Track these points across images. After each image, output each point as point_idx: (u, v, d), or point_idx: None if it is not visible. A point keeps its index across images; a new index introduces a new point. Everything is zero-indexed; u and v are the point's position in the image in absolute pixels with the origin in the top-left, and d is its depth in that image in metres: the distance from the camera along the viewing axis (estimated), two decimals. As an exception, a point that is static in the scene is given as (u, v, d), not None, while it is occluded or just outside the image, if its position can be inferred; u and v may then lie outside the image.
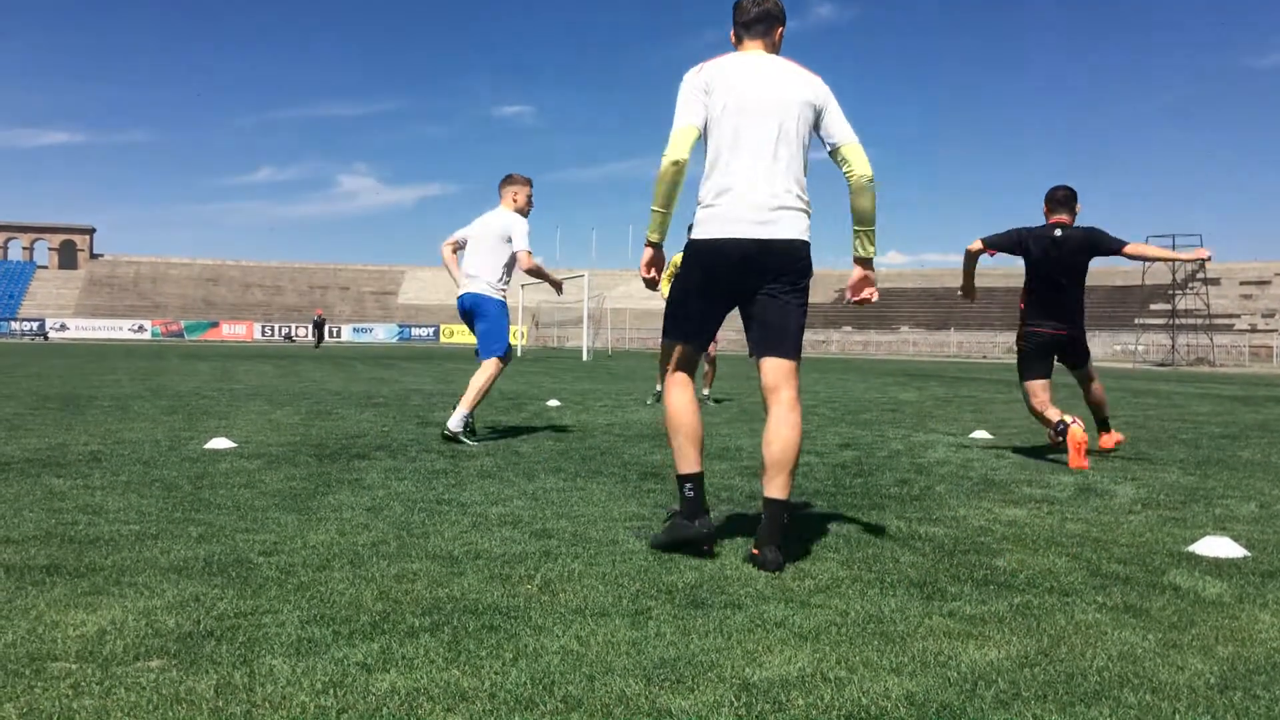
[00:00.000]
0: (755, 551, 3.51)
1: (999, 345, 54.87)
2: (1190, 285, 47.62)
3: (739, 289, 3.70)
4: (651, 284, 3.85)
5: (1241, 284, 60.81)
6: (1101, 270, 67.58)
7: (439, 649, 2.54)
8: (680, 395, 3.76)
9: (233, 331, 68.91)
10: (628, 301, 70.51)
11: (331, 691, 2.25)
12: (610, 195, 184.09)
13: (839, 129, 3.72)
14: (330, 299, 79.70)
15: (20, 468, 5.53)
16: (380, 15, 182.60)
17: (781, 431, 3.61)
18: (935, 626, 2.81)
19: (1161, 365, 40.03)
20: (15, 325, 64.92)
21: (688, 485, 3.66)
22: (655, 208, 3.70)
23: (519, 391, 13.56)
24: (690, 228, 3.83)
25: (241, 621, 2.74)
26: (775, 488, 3.59)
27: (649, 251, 3.79)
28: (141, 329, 66.82)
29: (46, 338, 62.55)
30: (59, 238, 79.53)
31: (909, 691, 2.31)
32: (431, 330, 72.27)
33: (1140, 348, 45.53)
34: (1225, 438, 8.46)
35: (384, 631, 2.68)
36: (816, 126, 3.73)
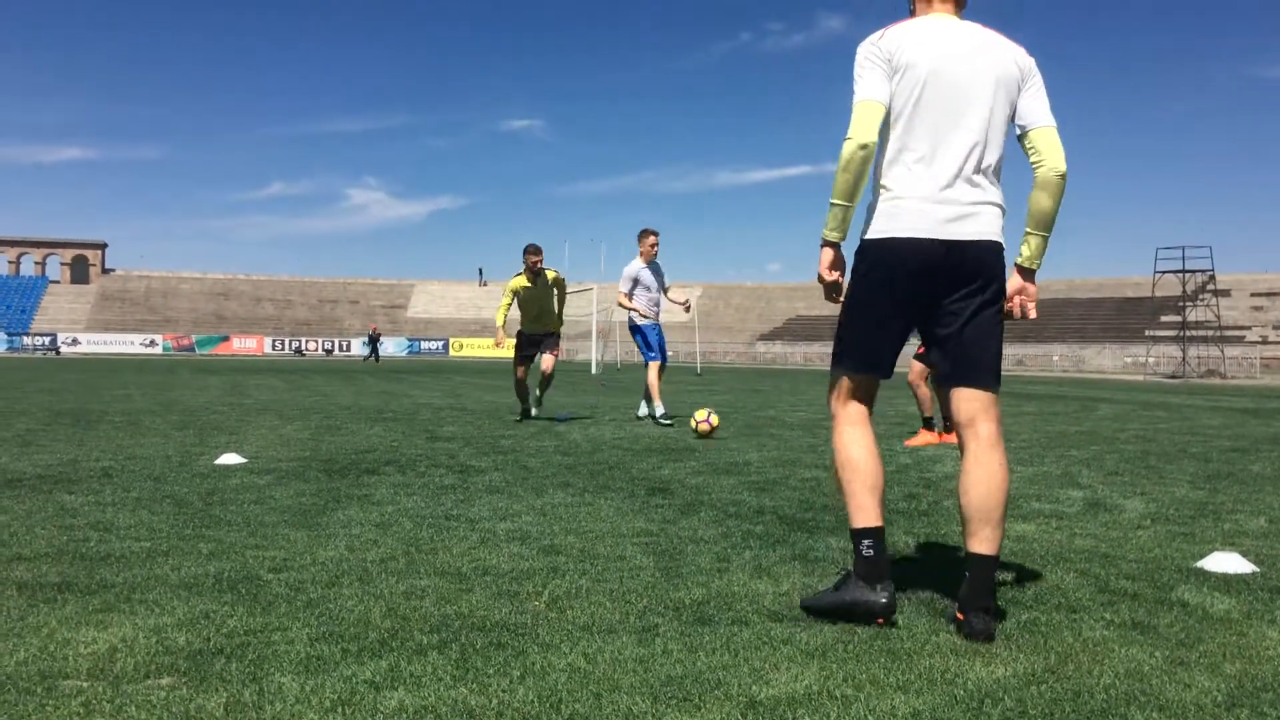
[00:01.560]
0: (960, 616, 2.91)
1: (1008, 357, 54.76)
2: (1201, 297, 47.46)
3: (925, 300, 3.10)
4: (836, 290, 3.18)
5: (1252, 295, 60.56)
6: (1111, 282, 67.46)
7: (447, 667, 2.56)
8: (858, 435, 3.15)
9: (243, 345, 69.10)
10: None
11: (340, 709, 2.26)
12: (619, 209, 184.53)
13: (1036, 108, 3.11)
14: (340, 313, 79.93)
15: (32, 484, 5.57)
16: (389, 30, 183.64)
17: (982, 475, 3.04)
18: (942, 643, 2.81)
19: (1172, 377, 39.89)
20: (28, 340, 65.22)
21: (865, 542, 3.03)
22: (837, 201, 3.06)
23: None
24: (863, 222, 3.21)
25: (251, 639, 2.76)
26: (981, 541, 3.00)
27: (830, 253, 3.13)
28: (153, 343, 67.03)
29: (59, 353, 62.81)
30: (71, 253, 79.93)
31: (915, 709, 2.31)
32: (441, 344, 72.38)
33: (1150, 360, 45.38)
34: (1235, 451, 8.44)
35: (392, 649, 2.69)
36: (1014, 103, 3.12)
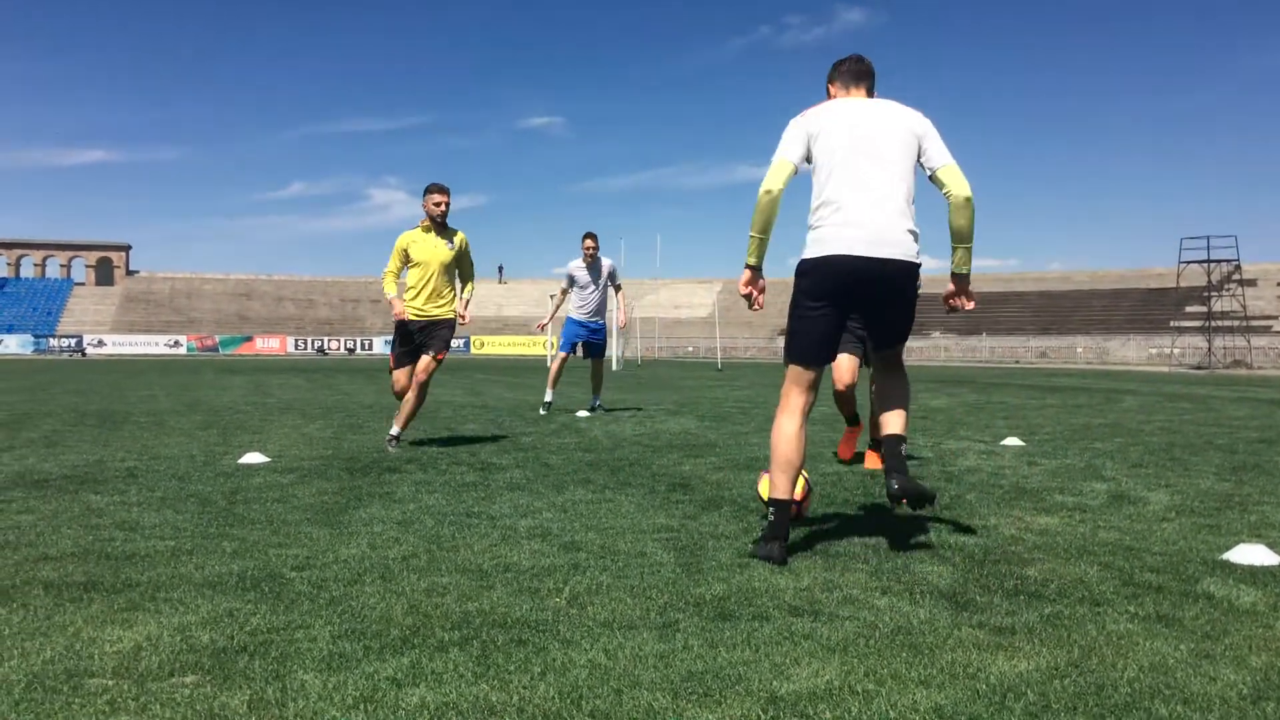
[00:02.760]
0: (888, 479, 3.95)
1: (1031, 350, 54.37)
2: (1226, 287, 46.99)
3: (857, 301, 3.91)
4: (749, 301, 4.01)
5: (1279, 285, 59.93)
6: (1135, 273, 66.92)
7: (468, 663, 2.57)
8: (789, 424, 3.89)
9: (266, 345, 69.52)
10: (657, 310, 70.60)
11: (362, 706, 2.27)
12: (639, 204, 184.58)
13: (936, 154, 3.93)
14: (362, 311, 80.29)
15: (59, 484, 5.63)
16: (408, 29, 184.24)
17: (895, 381, 4.13)
18: (964, 638, 2.80)
19: (1198, 368, 39.53)
20: (54, 342, 65.87)
21: (770, 510, 3.84)
22: (752, 233, 3.90)
23: (553, 398, 13.58)
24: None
25: (274, 636, 2.78)
26: (894, 426, 4.03)
27: (748, 274, 3.97)
28: (177, 344, 67.57)
29: (84, 354, 63.40)
30: (95, 255, 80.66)
31: (937, 704, 2.30)
32: (462, 342, 72.60)
33: (1176, 351, 44.97)
34: (1262, 442, 8.35)
35: (414, 646, 2.70)
36: (920, 157, 3.94)
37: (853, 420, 7.13)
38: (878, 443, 6.80)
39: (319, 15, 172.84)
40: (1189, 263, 42.63)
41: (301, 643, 2.73)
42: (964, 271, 4.01)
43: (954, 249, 3.97)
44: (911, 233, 3.88)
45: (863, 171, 3.84)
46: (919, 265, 3.95)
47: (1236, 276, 46.08)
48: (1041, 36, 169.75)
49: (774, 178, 3.89)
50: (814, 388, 3.96)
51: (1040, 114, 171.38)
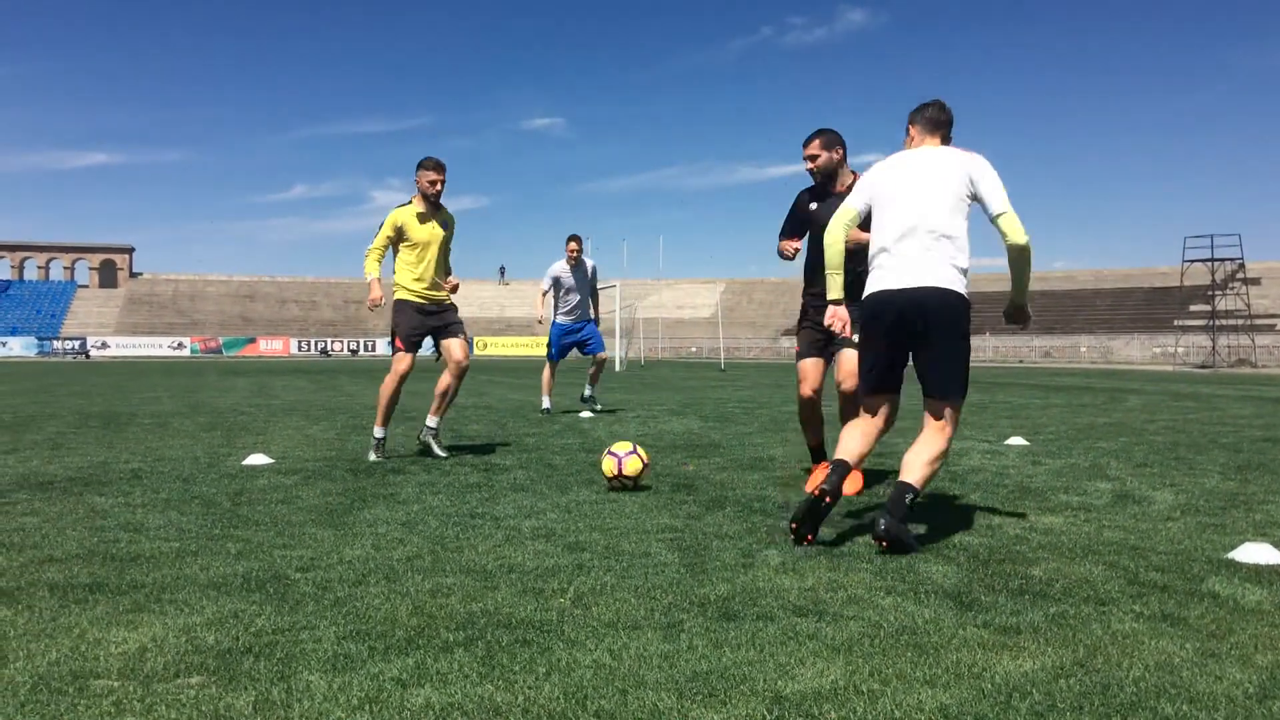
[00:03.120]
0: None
1: (1035, 349, 54.32)
2: (1230, 285, 46.92)
3: (907, 331, 4.17)
4: (839, 333, 4.58)
5: (1283, 283, 59.75)
6: (1139, 272, 66.80)
7: (473, 664, 2.57)
8: (855, 424, 4.36)
9: (270, 347, 69.51)
10: (660, 311, 70.55)
11: (367, 707, 2.27)
12: (641, 205, 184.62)
13: (993, 201, 4.14)
14: (365, 313, 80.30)
15: (63, 486, 5.63)
16: (409, 31, 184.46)
17: (930, 440, 4.19)
18: (969, 637, 2.80)
19: (1202, 367, 39.47)
20: (58, 344, 65.90)
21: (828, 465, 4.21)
22: (828, 271, 4.44)
23: (552, 403, 13.58)
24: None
25: (279, 638, 2.78)
26: (911, 476, 4.07)
27: (831, 307, 4.48)
28: (181, 346, 67.57)
29: (88, 356, 63.44)
30: (99, 257, 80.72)
31: (942, 704, 2.30)
32: (465, 343, 72.55)
33: (1180, 350, 44.91)
34: (1267, 441, 8.34)
35: (419, 647, 2.70)
36: (976, 196, 4.19)
37: (818, 453, 5.85)
38: (820, 456, 5.89)
39: (319, 16, 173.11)
40: (1193, 261, 42.61)
41: (306, 644, 2.73)
42: (1018, 305, 4.44)
43: (1012, 284, 4.40)
44: (955, 268, 4.11)
45: (905, 214, 4.16)
46: (964, 300, 4.12)
47: (1240, 275, 46.05)
48: (1042, 37, 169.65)
49: (834, 225, 4.41)
50: (878, 408, 4.32)
51: (1042, 114, 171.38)
